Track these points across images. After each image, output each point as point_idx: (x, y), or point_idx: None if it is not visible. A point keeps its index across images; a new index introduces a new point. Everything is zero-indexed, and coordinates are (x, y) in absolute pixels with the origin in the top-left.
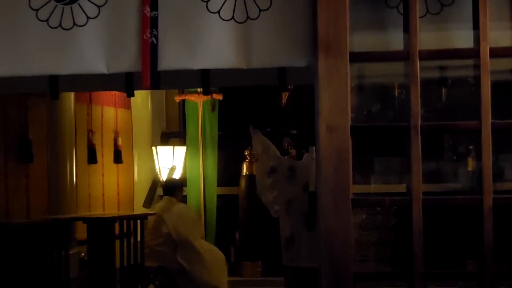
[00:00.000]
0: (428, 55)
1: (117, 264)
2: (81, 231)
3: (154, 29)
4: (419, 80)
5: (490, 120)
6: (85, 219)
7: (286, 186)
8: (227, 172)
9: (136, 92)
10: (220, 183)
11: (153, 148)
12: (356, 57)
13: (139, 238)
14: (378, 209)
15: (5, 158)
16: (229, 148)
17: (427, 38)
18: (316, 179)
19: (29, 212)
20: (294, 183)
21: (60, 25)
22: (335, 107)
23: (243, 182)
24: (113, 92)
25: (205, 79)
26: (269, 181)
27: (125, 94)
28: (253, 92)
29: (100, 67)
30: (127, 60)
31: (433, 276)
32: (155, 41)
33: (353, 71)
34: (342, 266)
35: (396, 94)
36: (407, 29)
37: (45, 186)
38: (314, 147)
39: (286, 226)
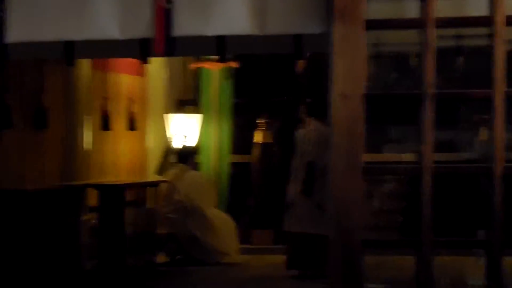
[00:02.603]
0: (444, 23)
1: (128, 231)
2: (93, 197)
3: None
4: (434, 48)
5: (503, 88)
6: (96, 186)
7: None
8: (241, 140)
9: (152, 59)
10: (233, 151)
11: (167, 115)
12: (371, 25)
13: (151, 205)
14: (392, 178)
15: (21, 125)
16: (243, 116)
17: (444, 6)
18: (329, 146)
19: (44, 178)
20: (297, 152)
21: None
22: (349, 75)
23: (256, 150)
24: (129, 60)
25: (220, 47)
26: None
27: (140, 61)
28: (269, 60)
29: (114, 32)
30: (141, 26)
31: (441, 244)
32: (169, 8)
33: (371, 39)
34: (351, 233)
35: (414, 63)
36: None
37: (60, 152)
38: (312, 118)
39: (288, 192)
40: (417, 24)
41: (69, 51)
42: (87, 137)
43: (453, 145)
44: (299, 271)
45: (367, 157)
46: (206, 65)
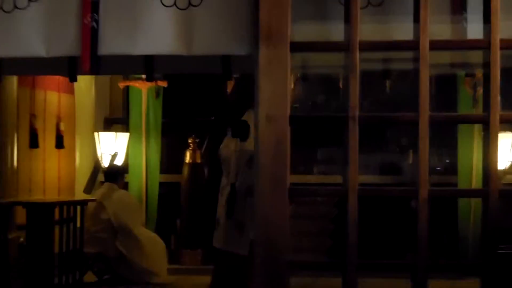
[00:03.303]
0: (368, 46)
1: (56, 250)
2: (21, 215)
3: (95, 13)
4: (358, 71)
5: (427, 112)
6: (24, 204)
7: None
8: (170, 159)
9: (80, 77)
10: (162, 171)
11: (95, 134)
12: (297, 47)
13: (79, 224)
14: (319, 199)
15: None
16: (173, 136)
17: (369, 29)
18: (255, 167)
19: None
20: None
21: (1, 7)
22: (274, 96)
23: (185, 170)
24: (57, 77)
25: (148, 65)
26: None
27: (68, 79)
28: (199, 80)
29: (40, 50)
30: (68, 44)
31: (366, 267)
32: (95, 26)
33: (299, 61)
34: (277, 254)
35: (341, 85)
36: (348, 20)
37: None
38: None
39: (218, 207)
40: (342, 47)
41: None
42: (14, 155)
43: (383, 167)
44: None
45: (295, 179)
46: (135, 84)
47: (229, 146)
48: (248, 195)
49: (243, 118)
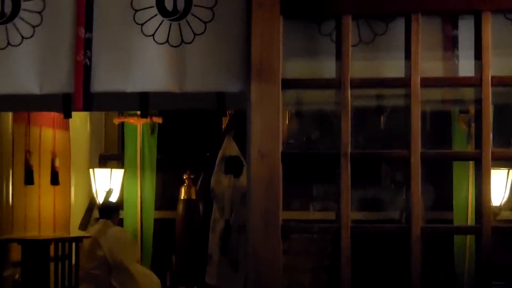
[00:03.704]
0: (360, 83)
1: (52, 287)
2: (16, 252)
3: (88, 51)
4: (350, 108)
5: (419, 149)
6: (19, 241)
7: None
8: (165, 195)
9: (75, 113)
10: (157, 207)
11: (90, 170)
12: (288, 84)
13: (74, 261)
14: (315, 236)
15: None
16: (167, 172)
17: (360, 66)
18: (247, 204)
19: None
20: (215, 207)
21: None
22: (266, 133)
23: (180, 206)
24: (52, 113)
25: (143, 102)
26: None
27: (63, 115)
28: (193, 116)
29: (33, 87)
30: (61, 81)
31: None
32: (88, 63)
33: (293, 97)
34: None
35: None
36: (340, 57)
37: None
38: (231, 175)
39: (209, 243)
40: (333, 84)
41: None
42: (10, 191)
43: (377, 203)
44: None
45: (290, 215)
46: (130, 120)
47: (222, 182)
48: (242, 231)
49: (223, 145)
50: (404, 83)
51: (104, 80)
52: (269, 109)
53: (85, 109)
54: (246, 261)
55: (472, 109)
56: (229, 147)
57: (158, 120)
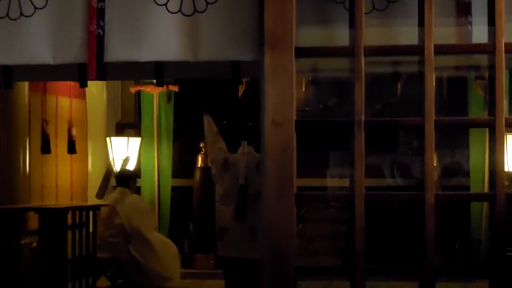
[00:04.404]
0: (373, 51)
1: (69, 255)
2: (34, 221)
3: (100, 21)
4: (363, 76)
5: (433, 117)
6: (37, 210)
7: (222, 178)
8: (182, 163)
9: (91, 82)
10: (174, 175)
11: (107, 138)
12: (301, 52)
13: (91, 229)
14: (332, 203)
15: None
16: (184, 140)
17: (374, 33)
18: (261, 173)
19: None
20: (228, 176)
21: (7, 15)
22: (280, 102)
23: (197, 174)
24: (68, 82)
25: (158, 71)
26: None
27: (79, 84)
28: (210, 84)
29: (46, 58)
30: (74, 51)
31: (375, 271)
32: (101, 33)
33: (309, 65)
34: (285, 260)
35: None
36: (353, 25)
37: None
38: (245, 142)
39: (221, 217)
40: (346, 52)
41: (7, 74)
42: (27, 160)
43: (394, 170)
44: None
45: (304, 182)
46: (146, 89)
47: (222, 149)
48: (258, 198)
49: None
50: (417, 50)
51: (117, 50)
52: (282, 78)
53: (98, 78)
54: (262, 228)
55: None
56: (211, 123)
57: (174, 88)
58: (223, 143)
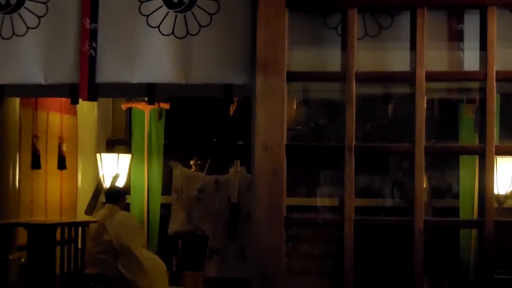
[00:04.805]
0: (365, 77)
1: (58, 271)
2: (22, 236)
3: (93, 41)
4: (354, 101)
5: (423, 143)
6: (26, 225)
7: (213, 199)
8: (172, 181)
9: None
10: (164, 192)
11: (98, 155)
12: (293, 77)
13: (80, 245)
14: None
15: None
16: (175, 157)
17: (365, 58)
18: (251, 196)
19: None
20: (219, 196)
21: None
22: (271, 125)
23: None
24: (59, 98)
25: (150, 90)
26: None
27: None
28: (201, 102)
29: (38, 77)
30: (66, 72)
31: None
32: (93, 54)
33: (299, 86)
34: (273, 282)
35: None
36: (345, 50)
37: None
38: (238, 161)
39: (212, 237)
40: (338, 77)
41: None
42: (16, 176)
43: (383, 191)
44: None
45: (292, 201)
46: (137, 106)
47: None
48: (249, 218)
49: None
50: (409, 77)
51: (109, 71)
52: (273, 102)
53: (90, 99)
54: (251, 250)
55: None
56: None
57: (165, 105)
58: (201, 177)
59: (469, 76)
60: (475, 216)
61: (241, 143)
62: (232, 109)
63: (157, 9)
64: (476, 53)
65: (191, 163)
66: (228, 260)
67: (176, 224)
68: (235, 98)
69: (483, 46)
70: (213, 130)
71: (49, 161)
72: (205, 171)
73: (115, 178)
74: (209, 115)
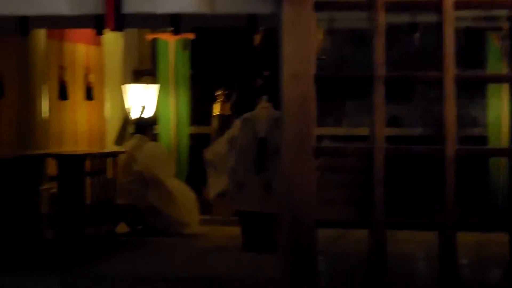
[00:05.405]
0: (393, 5)
1: (88, 201)
2: (52, 166)
3: None
4: (383, 30)
5: (453, 72)
6: (55, 155)
7: (239, 135)
8: (199, 111)
9: (107, 30)
10: (192, 122)
11: (124, 85)
12: (321, 5)
13: (110, 176)
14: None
15: None
16: (201, 88)
17: None
18: (279, 126)
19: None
20: (246, 131)
21: None
22: (299, 55)
23: (215, 122)
24: (85, 29)
25: (175, 20)
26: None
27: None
28: (226, 32)
29: (64, 8)
30: (92, 2)
31: (393, 225)
32: None
33: (325, 15)
34: (303, 213)
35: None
36: None
37: (16, 121)
38: (265, 97)
39: (237, 171)
40: (366, 6)
41: (24, 22)
42: (44, 106)
43: (410, 119)
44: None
45: (321, 131)
46: (163, 36)
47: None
48: (276, 154)
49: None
50: (437, 6)
51: (135, 1)
52: (301, 31)
53: (117, 29)
54: (280, 182)
55: (505, 25)
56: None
57: (190, 36)
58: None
59: (498, 3)
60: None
61: (267, 73)
62: (257, 39)
63: None
64: None
65: (218, 93)
66: (253, 195)
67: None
68: (259, 28)
69: None
70: (239, 59)
71: (77, 92)
72: (231, 101)
73: (143, 108)
74: (234, 45)
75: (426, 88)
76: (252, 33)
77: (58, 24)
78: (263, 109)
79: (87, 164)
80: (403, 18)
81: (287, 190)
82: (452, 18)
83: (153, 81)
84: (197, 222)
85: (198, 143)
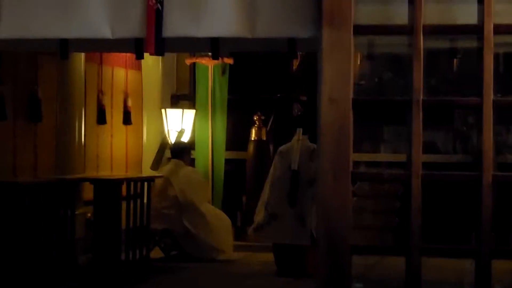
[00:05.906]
0: (432, 30)
1: (123, 226)
2: (88, 191)
3: None
4: (422, 55)
5: (491, 97)
6: (92, 180)
7: (274, 167)
8: (236, 136)
9: (146, 54)
10: (228, 147)
11: (163, 110)
12: (360, 30)
13: (145, 200)
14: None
15: (14, 117)
16: (238, 113)
17: (433, 11)
18: (314, 161)
19: (36, 171)
20: (281, 164)
21: None
22: (337, 79)
23: (251, 147)
24: (124, 53)
25: (214, 44)
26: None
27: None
28: (264, 57)
29: (105, 32)
30: (132, 26)
31: (429, 251)
32: (160, 8)
33: (364, 40)
34: (340, 239)
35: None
36: (412, 2)
37: (53, 145)
38: (301, 129)
39: (272, 203)
40: (405, 30)
41: (63, 45)
42: (82, 131)
43: (448, 146)
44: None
45: (358, 157)
46: (201, 61)
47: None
48: (309, 186)
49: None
50: (477, 30)
51: (176, 25)
52: (340, 55)
53: (157, 53)
54: (317, 207)
55: None
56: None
57: (229, 61)
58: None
59: None
60: None
61: (304, 98)
62: (295, 64)
63: None
64: None
65: (255, 118)
66: (287, 227)
67: None
68: (298, 53)
69: None
70: (277, 85)
71: (115, 116)
72: (268, 126)
73: (181, 133)
74: (272, 70)
75: (463, 114)
76: (291, 58)
77: (97, 48)
78: (298, 141)
79: (123, 188)
80: (443, 43)
81: (324, 215)
82: (491, 42)
83: (191, 106)
84: (232, 248)
85: (234, 168)
